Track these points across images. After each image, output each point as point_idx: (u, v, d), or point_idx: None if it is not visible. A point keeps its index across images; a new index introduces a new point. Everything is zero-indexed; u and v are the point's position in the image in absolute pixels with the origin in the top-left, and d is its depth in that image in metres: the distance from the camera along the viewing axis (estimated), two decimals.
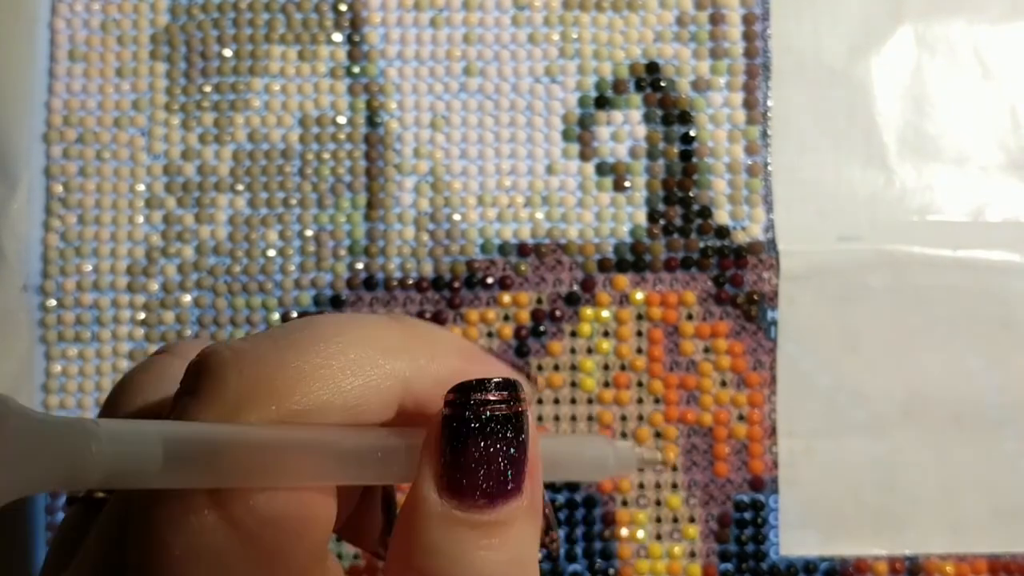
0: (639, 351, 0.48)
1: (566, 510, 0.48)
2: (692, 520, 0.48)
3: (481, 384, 0.22)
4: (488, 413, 0.22)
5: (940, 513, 0.48)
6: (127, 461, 0.19)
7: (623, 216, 0.49)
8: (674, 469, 0.48)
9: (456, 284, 0.49)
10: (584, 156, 0.49)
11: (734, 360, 0.48)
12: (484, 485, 0.22)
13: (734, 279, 0.48)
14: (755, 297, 0.48)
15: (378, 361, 0.22)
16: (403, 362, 0.23)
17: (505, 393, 0.22)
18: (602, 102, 0.49)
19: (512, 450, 0.22)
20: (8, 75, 0.49)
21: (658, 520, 0.48)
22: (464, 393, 0.22)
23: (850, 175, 0.49)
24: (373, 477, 0.23)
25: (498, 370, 0.24)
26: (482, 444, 0.22)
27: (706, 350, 0.48)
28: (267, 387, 0.21)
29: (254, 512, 0.21)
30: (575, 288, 0.49)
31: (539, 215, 0.49)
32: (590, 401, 0.48)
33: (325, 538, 0.23)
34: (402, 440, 0.23)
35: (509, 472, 0.22)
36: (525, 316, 0.49)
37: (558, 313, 0.48)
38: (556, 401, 0.48)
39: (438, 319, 0.48)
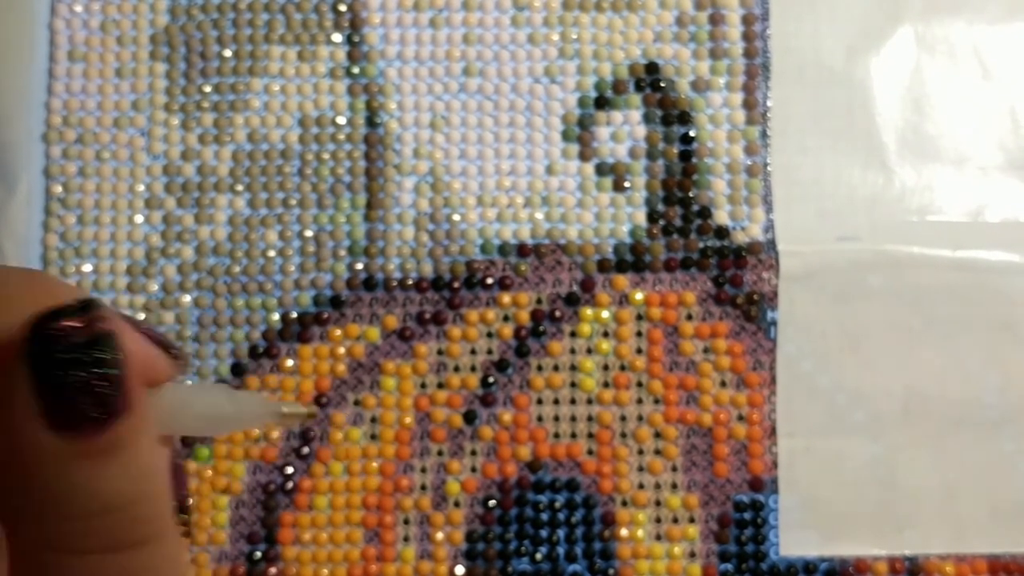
0: (639, 351, 0.48)
1: (566, 510, 0.48)
2: (692, 520, 0.48)
3: (60, 312, 0.21)
4: (74, 339, 0.21)
5: (940, 513, 0.48)
6: None
7: (623, 216, 0.49)
8: (674, 469, 0.48)
9: (456, 284, 0.49)
10: (584, 156, 0.49)
11: (734, 360, 0.48)
12: (90, 412, 0.21)
13: (734, 279, 0.48)
14: (755, 297, 0.48)
15: None
16: None
17: (85, 315, 0.21)
18: (602, 102, 0.49)
19: (109, 370, 0.21)
20: (8, 75, 0.49)
21: (658, 520, 0.48)
22: (44, 324, 0.21)
23: (850, 175, 0.49)
24: None
25: (72, 293, 0.22)
26: (77, 372, 0.21)
27: (706, 350, 0.48)
28: None
29: None
30: (575, 288, 0.49)
31: (539, 215, 0.49)
32: (590, 401, 0.48)
33: None
34: None
35: (113, 393, 0.21)
36: (525, 316, 0.49)
37: (558, 313, 0.48)
38: (556, 401, 0.48)
39: (438, 319, 0.48)
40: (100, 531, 0.21)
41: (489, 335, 0.49)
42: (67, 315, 0.21)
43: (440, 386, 0.48)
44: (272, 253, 0.49)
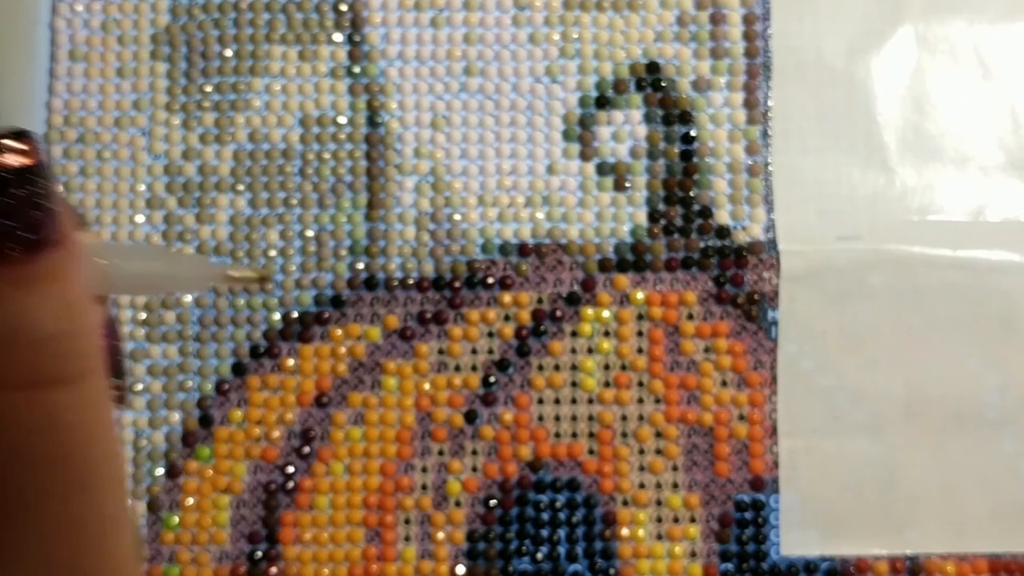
0: (640, 351, 0.48)
1: (567, 510, 0.48)
2: (693, 520, 0.48)
3: None
4: (8, 165, 0.21)
5: (940, 513, 0.48)
6: None
7: (623, 216, 0.49)
8: (675, 469, 0.48)
9: (457, 284, 0.49)
10: (585, 156, 0.49)
11: (735, 360, 0.48)
12: (20, 236, 0.21)
13: (734, 279, 0.48)
14: (755, 297, 0.48)
15: None
16: None
17: (21, 144, 0.21)
18: (602, 102, 0.49)
19: (41, 200, 0.21)
20: (8, 75, 0.49)
21: (658, 520, 0.48)
22: None
23: (850, 175, 0.49)
24: None
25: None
26: (8, 196, 0.21)
27: (707, 350, 0.48)
28: None
29: None
30: (576, 288, 0.49)
31: (539, 215, 0.49)
32: (590, 401, 0.48)
33: None
34: None
35: (44, 221, 0.21)
36: (526, 316, 0.49)
37: (559, 313, 0.49)
38: (557, 401, 0.48)
39: (439, 319, 0.48)
40: (23, 364, 0.21)
41: (490, 335, 0.49)
42: (9, 139, 0.21)
43: (441, 385, 0.48)
44: (273, 253, 0.49)
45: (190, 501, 0.48)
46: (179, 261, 0.29)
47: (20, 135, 0.21)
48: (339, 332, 0.49)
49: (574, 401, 0.48)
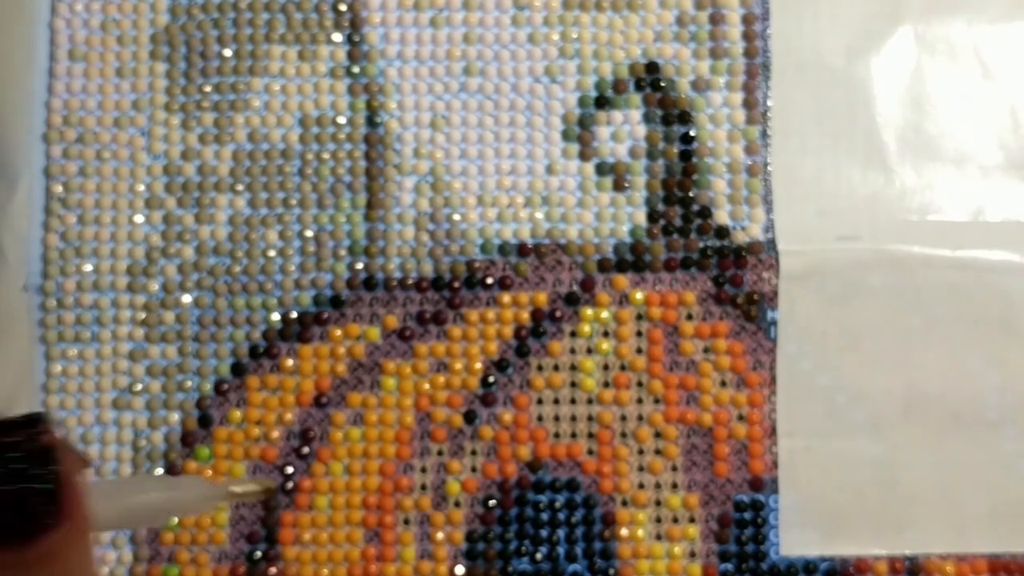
0: (639, 351, 0.48)
1: (566, 510, 0.48)
2: (692, 520, 0.48)
3: (4, 426, 0.21)
4: (13, 454, 0.20)
5: (940, 513, 0.48)
6: None
7: (623, 216, 0.49)
8: (674, 469, 0.48)
9: (456, 284, 0.49)
10: (584, 156, 0.49)
11: (734, 360, 0.48)
12: (21, 526, 0.20)
13: (734, 279, 0.48)
14: (755, 297, 0.48)
15: None
16: None
17: (25, 431, 0.21)
18: (602, 102, 0.49)
19: (46, 484, 0.21)
20: (8, 75, 0.49)
21: (658, 520, 0.48)
22: None
23: (850, 175, 0.49)
24: None
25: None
26: (7, 488, 0.20)
27: (706, 350, 0.48)
28: None
29: None
30: (575, 288, 0.49)
31: (539, 215, 0.49)
32: (590, 401, 0.48)
33: None
34: None
35: (46, 507, 0.21)
36: (525, 316, 0.49)
37: (558, 313, 0.48)
38: (556, 401, 0.48)
39: (438, 319, 0.48)
40: None
41: (489, 335, 0.49)
42: (14, 429, 0.21)
43: (440, 386, 0.48)
44: (272, 253, 0.49)
45: None
46: (179, 487, 0.29)
47: (30, 422, 0.21)
48: (338, 332, 0.49)
49: (573, 401, 0.48)
